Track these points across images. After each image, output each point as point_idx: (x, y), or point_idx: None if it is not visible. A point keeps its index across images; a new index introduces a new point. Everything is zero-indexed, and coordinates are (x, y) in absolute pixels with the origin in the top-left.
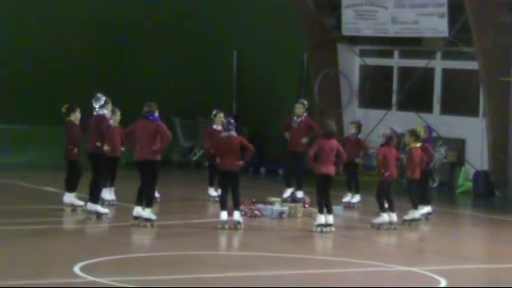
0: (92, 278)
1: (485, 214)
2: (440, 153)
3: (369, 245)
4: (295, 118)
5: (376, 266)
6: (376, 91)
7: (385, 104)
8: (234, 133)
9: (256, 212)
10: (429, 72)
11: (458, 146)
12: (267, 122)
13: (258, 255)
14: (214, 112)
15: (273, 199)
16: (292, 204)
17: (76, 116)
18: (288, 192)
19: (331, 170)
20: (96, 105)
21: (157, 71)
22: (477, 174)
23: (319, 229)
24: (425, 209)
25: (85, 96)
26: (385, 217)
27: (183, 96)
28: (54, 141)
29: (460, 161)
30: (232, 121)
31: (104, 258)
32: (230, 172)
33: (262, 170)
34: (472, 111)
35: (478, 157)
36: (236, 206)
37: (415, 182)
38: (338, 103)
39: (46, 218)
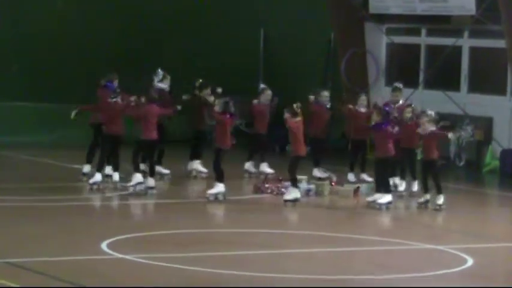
0: (119, 255)
1: None
2: (467, 132)
3: (395, 223)
4: (359, 107)
5: (403, 245)
6: (403, 69)
7: (412, 83)
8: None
9: (283, 189)
10: (457, 51)
11: (485, 125)
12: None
13: (285, 233)
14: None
15: (300, 177)
16: (319, 182)
17: None
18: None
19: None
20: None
21: (185, 50)
22: (504, 152)
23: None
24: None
25: None
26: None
27: (210, 76)
28: (82, 120)
29: (487, 139)
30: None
31: (131, 235)
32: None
33: (288, 148)
34: (500, 90)
35: (505, 135)
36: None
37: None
38: (365, 82)
39: (74, 195)
